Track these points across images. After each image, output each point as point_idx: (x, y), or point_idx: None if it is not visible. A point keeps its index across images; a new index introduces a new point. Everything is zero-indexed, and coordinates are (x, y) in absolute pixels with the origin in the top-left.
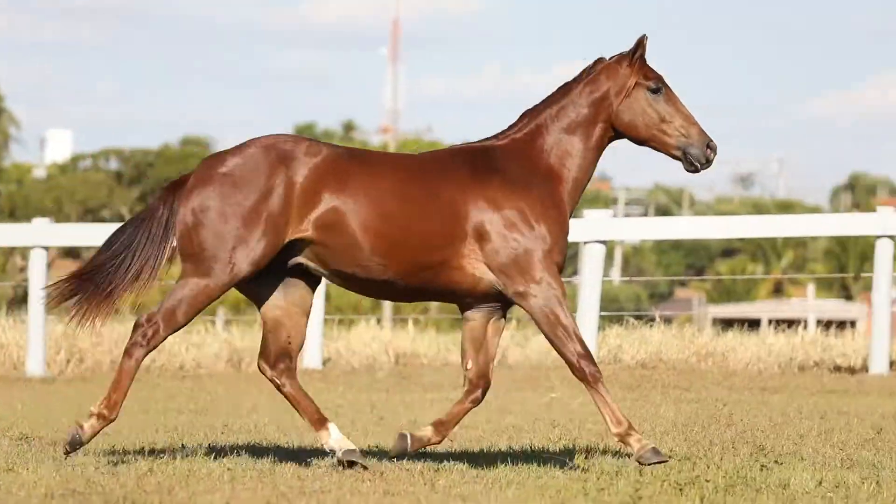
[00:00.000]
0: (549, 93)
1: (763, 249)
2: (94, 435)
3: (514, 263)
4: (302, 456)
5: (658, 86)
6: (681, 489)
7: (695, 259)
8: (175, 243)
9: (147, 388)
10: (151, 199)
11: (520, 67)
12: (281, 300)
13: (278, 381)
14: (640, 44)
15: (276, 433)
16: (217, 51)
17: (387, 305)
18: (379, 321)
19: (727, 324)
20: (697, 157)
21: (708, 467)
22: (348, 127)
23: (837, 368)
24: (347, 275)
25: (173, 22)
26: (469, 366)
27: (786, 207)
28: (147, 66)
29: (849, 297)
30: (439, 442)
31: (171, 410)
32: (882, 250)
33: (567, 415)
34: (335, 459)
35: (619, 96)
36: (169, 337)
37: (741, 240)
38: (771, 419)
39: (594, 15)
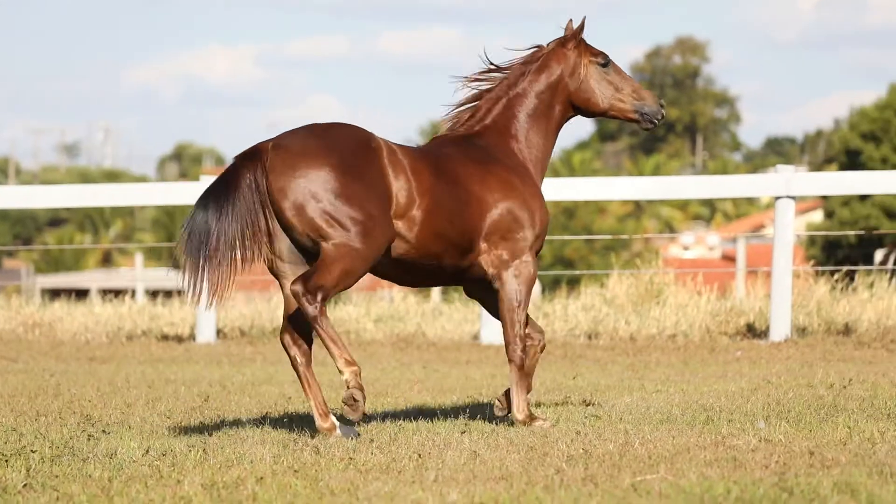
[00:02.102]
0: (496, 82)
1: (91, 219)
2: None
3: (513, 253)
4: None
5: (606, 60)
6: (7, 460)
7: (21, 229)
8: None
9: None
10: (229, 168)
11: None
12: None
13: (296, 360)
14: (582, 26)
15: None
16: None
17: None
18: None
19: (56, 294)
20: (654, 114)
21: (35, 438)
22: None
23: (166, 337)
24: (404, 264)
25: None
26: None
27: (113, 177)
28: None
29: (178, 266)
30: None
31: None
32: None
33: None
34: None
35: (574, 77)
36: None
37: (69, 209)
38: (99, 389)
39: None
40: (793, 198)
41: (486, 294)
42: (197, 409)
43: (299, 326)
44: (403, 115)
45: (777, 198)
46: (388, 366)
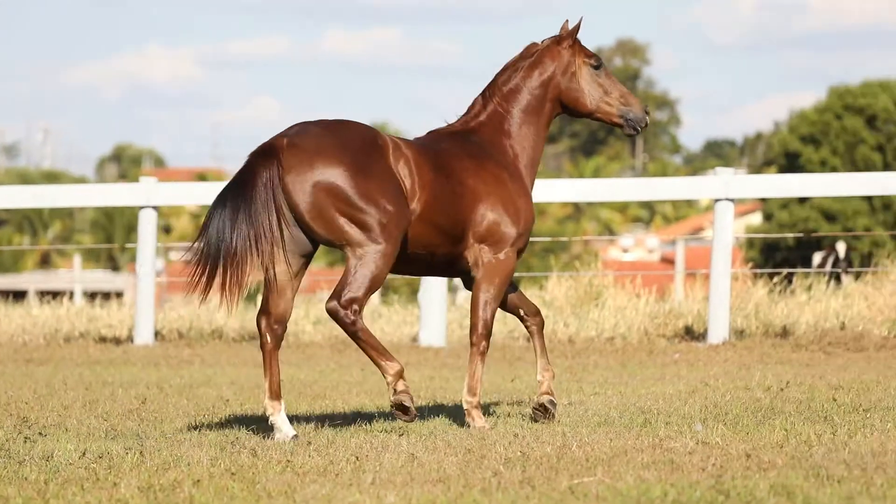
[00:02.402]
0: (493, 77)
1: (30, 220)
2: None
3: (495, 246)
4: None
5: (599, 63)
6: None
7: None
8: (286, 212)
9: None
10: (246, 166)
11: None
12: (292, 271)
13: (266, 338)
14: (578, 27)
15: None
16: None
17: None
18: None
19: None
20: (638, 120)
21: None
22: None
23: (103, 339)
24: (400, 254)
25: None
26: None
27: (52, 178)
28: None
29: (116, 268)
30: None
31: None
32: (145, 221)
33: None
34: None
35: (566, 75)
36: None
37: (7, 210)
38: (36, 391)
39: None
40: (732, 200)
41: None
42: (134, 411)
43: (277, 312)
44: (346, 115)
45: (716, 200)
46: (327, 368)
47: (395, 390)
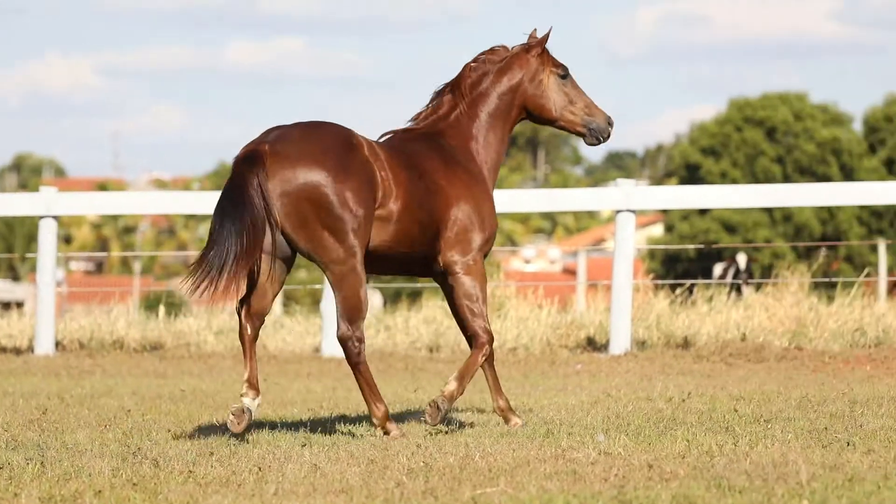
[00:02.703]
0: (457, 77)
1: None
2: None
3: (464, 252)
4: None
5: (566, 73)
6: None
7: None
8: (275, 215)
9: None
10: (235, 173)
11: None
12: (273, 274)
13: (246, 330)
14: (547, 36)
15: None
16: None
17: None
18: None
19: None
20: (601, 131)
21: None
22: None
23: (3, 349)
24: (379, 253)
25: None
26: None
27: None
28: None
29: (16, 278)
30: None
31: None
32: (46, 230)
33: None
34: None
35: (533, 83)
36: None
37: None
38: None
39: None
40: (633, 211)
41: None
42: (35, 421)
43: (257, 307)
44: (250, 125)
45: (617, 211)
46: (229, 378)
47: (386, 433)
